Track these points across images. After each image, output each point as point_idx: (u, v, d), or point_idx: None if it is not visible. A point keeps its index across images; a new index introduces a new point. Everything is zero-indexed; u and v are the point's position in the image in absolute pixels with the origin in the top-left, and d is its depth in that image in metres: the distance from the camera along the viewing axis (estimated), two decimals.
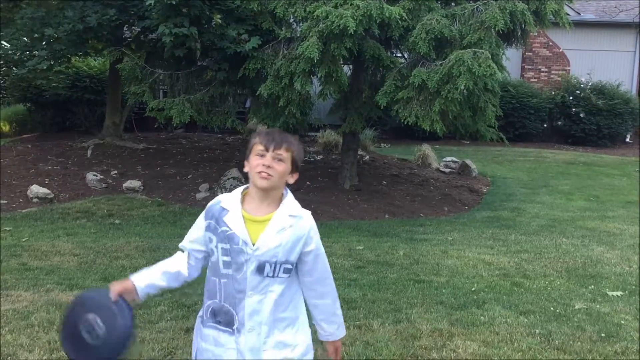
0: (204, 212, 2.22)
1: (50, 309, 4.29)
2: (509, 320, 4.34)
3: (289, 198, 2.19)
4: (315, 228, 2.21)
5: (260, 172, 2.09)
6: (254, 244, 2.10)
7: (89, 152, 10.85)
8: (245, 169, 2.17)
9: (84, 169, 9.61)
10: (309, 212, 2.21)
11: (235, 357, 2.14)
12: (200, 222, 2.22)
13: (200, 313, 2.26)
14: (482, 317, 4.37)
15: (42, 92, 13.97)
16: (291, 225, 2.14)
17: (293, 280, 2.21)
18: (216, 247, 2.15)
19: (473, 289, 5.06)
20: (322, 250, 2.24)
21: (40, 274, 5.14)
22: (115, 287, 2.18)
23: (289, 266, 2.14)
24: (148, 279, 2.22)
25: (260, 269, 2.11)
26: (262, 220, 2.13)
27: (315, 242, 2.19)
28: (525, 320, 4.37)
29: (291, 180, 2.17)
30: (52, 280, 4.97)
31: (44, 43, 9.57)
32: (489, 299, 4.80)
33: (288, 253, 2.13)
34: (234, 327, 2.14)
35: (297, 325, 2.22)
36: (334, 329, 2.31)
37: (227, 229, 2.12)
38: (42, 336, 3.84)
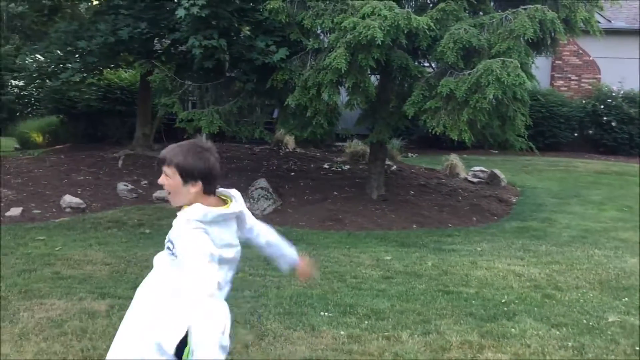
0: None
1: (83, 318, 4.36)
2: (540, 332, 4.28)
3: (189, 208, 2.34)
4: (181, 229, 2.34)
5: None
6: None
7: (120, 162, 11.02)
8: None
9: (115, 179, 9.76)
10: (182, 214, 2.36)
11: None
12: None
13: None
14: (512, 330, 4.32)
15: (74, 103, 14.22)
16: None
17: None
18: None
19: (503, 300, 5.01)
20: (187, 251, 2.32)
21: (73, 283, 5.24)
22: None
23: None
24: None
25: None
26: None
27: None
28: (557, 333, 4.30)
29: (193, 190, 2.30)
30: (84, 289, 5.06)
31: (76, 56, 9.77)
32: (520, 310, 4.74)
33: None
34: None
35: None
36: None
37: None
38: (75, 344, 3.91)
